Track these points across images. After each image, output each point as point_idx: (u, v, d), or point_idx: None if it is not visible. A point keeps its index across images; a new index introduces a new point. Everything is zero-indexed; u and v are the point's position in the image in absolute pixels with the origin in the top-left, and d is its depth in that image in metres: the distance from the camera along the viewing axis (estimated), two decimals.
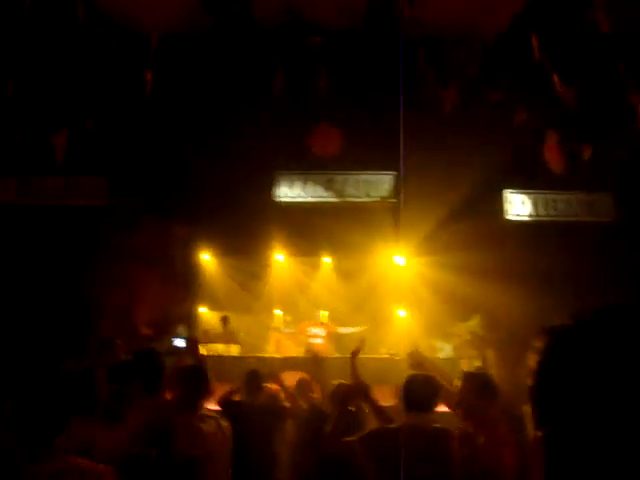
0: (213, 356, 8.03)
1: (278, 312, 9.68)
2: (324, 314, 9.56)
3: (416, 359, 4.07)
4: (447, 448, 3.14)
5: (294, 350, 8.86)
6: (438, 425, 3.23)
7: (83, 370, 3.64)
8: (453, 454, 3.13)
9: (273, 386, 4.99)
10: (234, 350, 8.95)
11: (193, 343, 4.04)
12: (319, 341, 9.15)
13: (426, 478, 3.00)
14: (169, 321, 10.08)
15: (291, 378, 5.63)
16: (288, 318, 9.77)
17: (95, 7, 5.24)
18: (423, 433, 3.15)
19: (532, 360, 0.80)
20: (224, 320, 9.41)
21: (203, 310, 10.92)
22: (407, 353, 4.22)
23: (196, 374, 3.40)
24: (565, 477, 0.70)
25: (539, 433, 0.73)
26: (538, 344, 0.78)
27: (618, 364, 0.67)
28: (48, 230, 8.44)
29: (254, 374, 4.97)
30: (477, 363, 5.76)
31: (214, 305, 10.96)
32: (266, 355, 8.85)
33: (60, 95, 6.33)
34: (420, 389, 3.41)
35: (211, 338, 9.22)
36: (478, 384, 3.40)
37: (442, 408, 4.62)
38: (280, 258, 10.98)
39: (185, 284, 11.05)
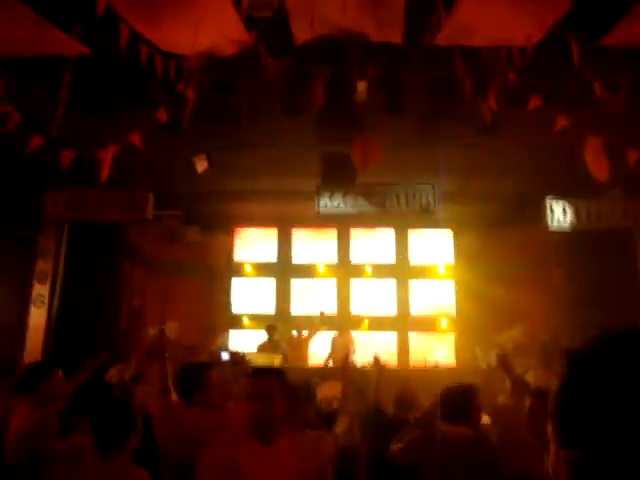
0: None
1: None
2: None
3: (505, 362, 4.05)
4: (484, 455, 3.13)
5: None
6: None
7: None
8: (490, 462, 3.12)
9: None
10: (276, 361, 8.99)
11: (239, 357, 4.10)
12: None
13: None
14: (210, 331, 10.22)
15: (331, 389, 5.64)
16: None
17: (137, 30, 5.39)
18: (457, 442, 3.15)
19: (555, 381, 0.81)
20: (269, 330, 9.42)
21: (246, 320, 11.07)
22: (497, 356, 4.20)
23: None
24: None
25: (561, 452, 0.75)
26: (561, 366, 0.80)
27: (629, 391, 0.69)
28: (94, 243, 8.69)
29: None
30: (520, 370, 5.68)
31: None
32: (306, 366, 8.90)
33: (107, 112, 6.53)
34: (457, 399, 3.42)
35: (256, 348, 9.29)
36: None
37: None
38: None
39: (226, 294, 11.24)
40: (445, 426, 3.34)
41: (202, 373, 3.72)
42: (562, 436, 0.76)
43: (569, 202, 8.22)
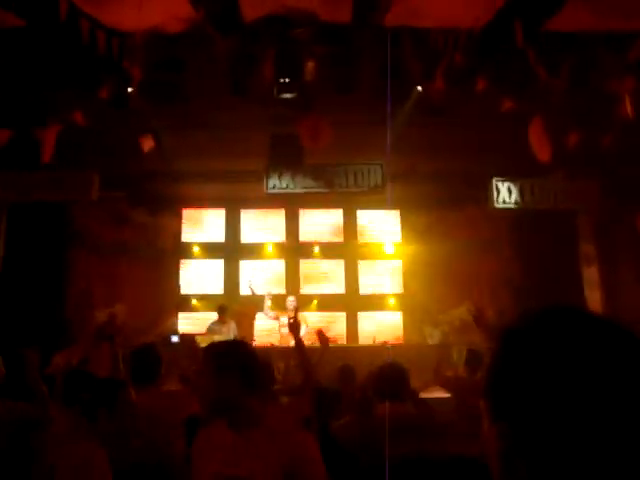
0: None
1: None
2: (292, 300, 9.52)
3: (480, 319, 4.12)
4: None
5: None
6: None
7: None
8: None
9: None
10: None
11: (189, 340, 4.07)
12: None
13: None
14: (159, 314, 10.10)
15: None
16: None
17: (77, 5, 5.19)
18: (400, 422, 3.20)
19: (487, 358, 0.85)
20: (220, 310, 9.34)
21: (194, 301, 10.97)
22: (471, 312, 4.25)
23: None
24: (518, 468, 0.74)
25: (493, 427, 0.78)
26: (493, 343, 0.83)
27: (556, 365, 0.72)
28: (35, 224, 8.42)
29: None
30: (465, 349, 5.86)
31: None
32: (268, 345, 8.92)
33: (47, 90, 6.30)
34: (392, 376, 3.48)
35: (206, 329, 9.22)
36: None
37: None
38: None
39: (173, 276, 11.10)
40: (382, 405, 3.40)
41: (154, 356, 3.67)
42: (493, 409, 0.79)
43: (514, 182, 8.44)
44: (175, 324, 10.32)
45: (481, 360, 4.95)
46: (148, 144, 7.04)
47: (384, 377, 3.48)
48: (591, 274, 8.84)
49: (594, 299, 8.61)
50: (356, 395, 4.14)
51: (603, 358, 0.72)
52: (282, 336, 8.91)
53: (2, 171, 7.71)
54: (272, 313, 9.24)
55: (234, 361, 2.13)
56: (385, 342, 9.25)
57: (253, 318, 9.61)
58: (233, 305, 10.02)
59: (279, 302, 9.59)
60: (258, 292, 9.69)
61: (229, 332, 8.96)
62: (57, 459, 2.46)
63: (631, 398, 0.69)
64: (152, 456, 3.09)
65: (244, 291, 10.85)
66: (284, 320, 9.08)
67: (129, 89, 6.60)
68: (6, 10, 4.99)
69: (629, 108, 5.77)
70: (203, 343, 8.08)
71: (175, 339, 8.57)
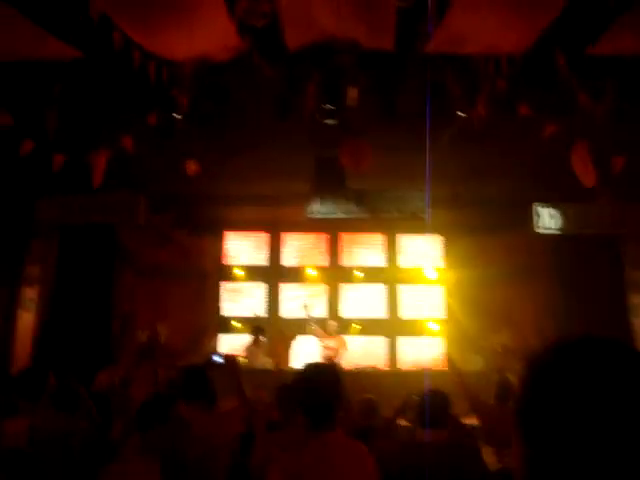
0: (252, 371, 8.15)
1: None
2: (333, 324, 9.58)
3: (454, 369, 4.15)
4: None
5: None
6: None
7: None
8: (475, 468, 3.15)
9: None
10: (268, 363, 9.00)
11: (232, 360, 4.12)
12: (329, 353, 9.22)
13: None
14: (199, 335, 10.24)
15: None
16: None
17: (130, 37, 5.42)
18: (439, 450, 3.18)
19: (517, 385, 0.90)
20: (255, 331, 9.43)
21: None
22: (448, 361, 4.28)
23: None
24: None
25: (520, 451, 0.83)
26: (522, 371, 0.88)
27: (584, 394, 0.77)
28: (84, 245, 8.69)
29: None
30: (509, 375, 5.76)
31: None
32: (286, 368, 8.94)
33: (99, 116, 6.55)
34: (435, 404, 3.47)
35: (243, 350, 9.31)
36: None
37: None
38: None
39: (215, 297, 11.25)
40: (423, 432, 3.39)
41: (204, 375, 3.75)
42: (521, 435, 0.83)
43: (556, 207, 8.34)
44: (216, 345, 10.44)
45: (510, 389, 4.88)
46: (193, 168, 7.22)
47: (427, 404, 3.48)
48: (638, 301, 8.63)
49: None
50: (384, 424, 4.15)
51: (620, 392, 0.76)
52: (323, 358, 8.96)
53: (56, 194, 8.01)
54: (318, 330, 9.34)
55: None
56: (426, 368, 9.18)
57: (290, 342, 9.65)
58: (272, 328, 10.10)
59: (320, 326, 9.66)
60: (313, 314, 9.74)
61: (259, 355, 9.04)
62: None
63: None
64: (203, 472, 3.16)
65: (285, 314, 10.94)
66: (327, 342, 9.16)
67: (176, 115, 6.80)
68: (67, 43, 5.22)
69: None
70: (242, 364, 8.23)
71: (218, 359, 8.67)
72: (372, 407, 4.83)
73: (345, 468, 2.30)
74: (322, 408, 2.42)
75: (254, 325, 9.75)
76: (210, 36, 5.57)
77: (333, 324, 9.48)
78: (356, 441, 2.57)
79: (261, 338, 9.32)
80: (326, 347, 9.31)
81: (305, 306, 9.94)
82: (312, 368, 2.62)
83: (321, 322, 9.87)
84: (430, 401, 3.52)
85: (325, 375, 2.53)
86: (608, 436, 0.74)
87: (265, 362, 8.96)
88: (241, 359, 8.60)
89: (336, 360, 8.97)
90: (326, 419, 2.41)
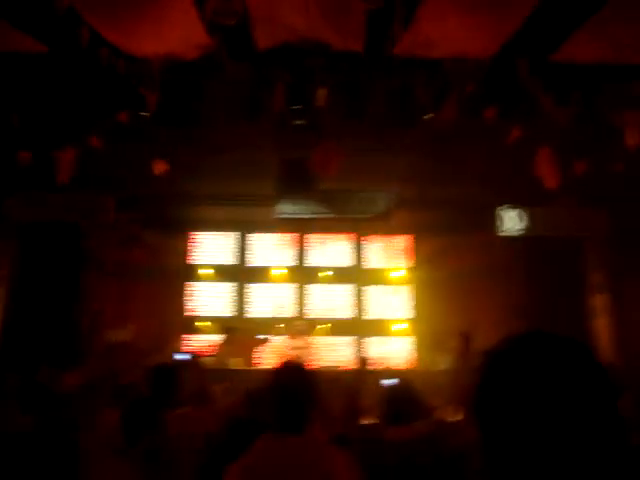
0: (223, 369, 8.11)
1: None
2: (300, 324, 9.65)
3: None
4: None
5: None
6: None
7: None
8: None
9: None
10: (239, 363, 8.97)
11: (195, 359, 4.13)
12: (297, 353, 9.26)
13: None
14: (166, 334, 10.17)
15: None
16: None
17: (98, 32, 5.37)
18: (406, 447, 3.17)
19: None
20: (228, 331, 9.40)
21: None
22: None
23: None
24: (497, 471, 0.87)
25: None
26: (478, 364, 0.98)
27: (527, 383, 0.86)
28: (49, 245, 8.55)
29: None
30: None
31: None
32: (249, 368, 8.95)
33: (66, 113, 6.46)
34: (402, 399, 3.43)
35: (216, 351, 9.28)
36: None
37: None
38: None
39: (181, 298, 11.18)
40: (389, 429, 3.38)
41: (176, 374, 3.75)
42: (475, 421, 0.92)
43: (521, 210, 8.51)
44: (181, 345, 10.38)
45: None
46: (160, 167, 7.18)
47: (395, 399, 3.47)
48: (599, 302, 8.85)
49: (602, 327, 8.61)
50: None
51: (558, 381, 0.85)
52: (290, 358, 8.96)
53: (19, 191, 7.87)
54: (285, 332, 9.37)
55: None
56: (391, 367, 9.27)
57: (260, 344, 9.66)
58: (240, 328, 10.08)
59: (288, 326, 9.68)
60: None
61: (229, 354, 9.04)
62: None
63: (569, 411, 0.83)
64: (173, 471, 3.16)
65: (252, 314, 10.94)
66: (294, 343, 9.18)
67: (144, 114, 6.75)
68: (32, 37, 5.14)
69: (632, 140, 5.87)
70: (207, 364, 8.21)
71: (181, 358, 8.63)
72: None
73: (301, 474, 2.21)
74: (290, 410, 2.34)
75: (226, 325, 9.73)
76: (179, 34, 5.55)
77: (300, 324, 9.49)
78: (332, 448, 2.45)
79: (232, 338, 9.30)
80: (293, 347, 9.34)
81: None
82: (284, 370, 2.54)
83: (288, 322, 9.88)
84: (391, 396, 3.50)
85: (297, 377, 2.46)
86: (546, 420, 0.82)
87: (235, 361, 8.94)
88: (207, 358, 8.57)
89: (303, 360, 8.99)
90: (294, 422, 2.34)
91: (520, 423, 0.84)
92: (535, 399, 0.84)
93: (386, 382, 5.30)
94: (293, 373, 2.50)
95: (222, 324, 10.13)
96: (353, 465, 2.31)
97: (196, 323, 11.00)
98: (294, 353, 9.16)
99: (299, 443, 2.30)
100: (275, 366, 2.58)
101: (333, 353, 10.64)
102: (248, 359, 9.07)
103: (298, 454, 2.26)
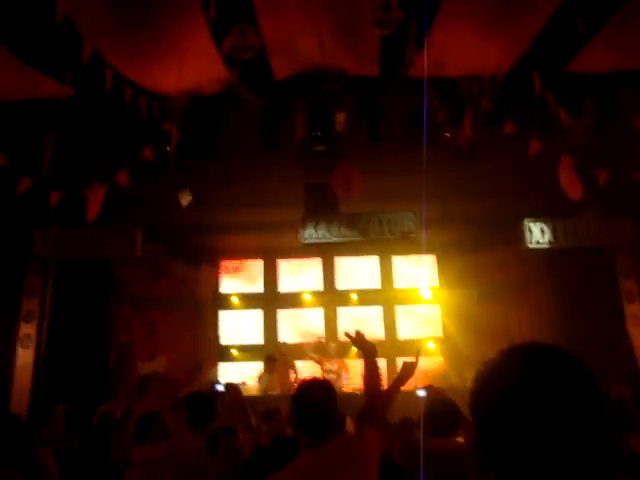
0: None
1: None
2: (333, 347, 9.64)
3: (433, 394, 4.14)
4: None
5: None
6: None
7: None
8: None
9: None
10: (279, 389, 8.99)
11: (234, 388, 4.17)
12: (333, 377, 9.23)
13: None
14: (198, 364, 10.22)
15: None
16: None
17: (121, 73, 5.56)
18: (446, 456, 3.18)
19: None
20: (268, 360, 9.38)
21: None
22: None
23: None
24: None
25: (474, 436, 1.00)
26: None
27: (516, 392, 0.94)
28: (79, 278, 8.72)
29: None
30: None
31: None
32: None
33: (93, 152, 6.66)
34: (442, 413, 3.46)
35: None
36: None
37: None
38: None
39: (213, 326, 11.26)
40: (431, 440, 3.40)
41: (212, 403, 3.82)
42: (473, 423, 1.01)
43: (546, 222, 8.46)
44: (216, 374, 10.42)
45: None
46: (186, 199, 7.32)
47: (435, 411, 3.50)
48: (634, 310, 8.70)
49: (638, 335, 8.46)
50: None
51: (548, 391, 0.93)
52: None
53: (52, 229, 8.09)
54: (316, 356, 9.35)
55: None
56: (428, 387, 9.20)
57: (290, 367, 9.66)
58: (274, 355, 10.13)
59: (320, 349, 9.69)
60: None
61: (271, 382, 9.06)
62: None
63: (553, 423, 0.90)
64: None
65: (282, 339, 10.98)
66: (329, 366, 9.17)
67: (167, 148, 6.91)
68: (59, 83, 5.35)
69: None
70: (246, 393, 8.22)
71: (220, 388, 8.65)
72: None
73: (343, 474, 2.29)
74: (318, 418, 2.41)
75: (267, 354, 9.71)
76: (198, 70, 5.72)
77: (333, 346, 9.51)
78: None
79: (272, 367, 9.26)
80: (328, 371, 9.31)
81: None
82: (307, 383, 2.63)
83: (321, 346, 9.88)
84: (431, 408, 3.55)
85: (319, 388, 2.54)
86: (535, 427, 0.90)
87: (276, 388, 8.98)
88: (246, 386, 8.62)
89: (338, 384, 9.00)
90: (323, 430, 2.40)
91: (505, 426, 0.93)
92: (520, 405, 0.92)
93: (421, 392, 5.38)
94: (317, 385, 2.59)
95: (260, 352, 10.20)
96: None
97: (232, 351, 11.05)
98: (330, 376, 9.14)
99: (331, 447, 2.37)
100: (300, 382, 2.66)
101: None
102: (287, 385, 9.09)
103: (333, 456, 2.34)
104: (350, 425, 7.15)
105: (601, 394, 0.95)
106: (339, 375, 9.24)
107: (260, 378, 9.29)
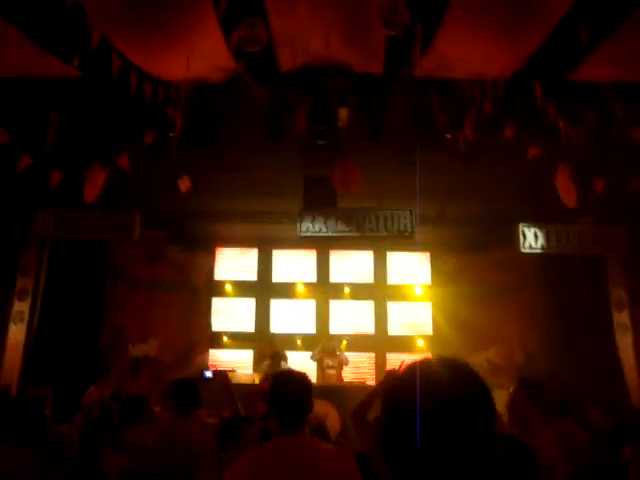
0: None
1: None
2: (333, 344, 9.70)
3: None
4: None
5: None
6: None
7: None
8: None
9: None
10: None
11: (222, 375, 4.24)
12: (332, 372, 9.29)
13: None
14: (190, 350, 10.29)
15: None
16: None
17: (128, 58, 5.60)
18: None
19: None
20: (275, 357, 9.23)
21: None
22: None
23: None
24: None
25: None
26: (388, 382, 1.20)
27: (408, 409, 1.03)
28: (75, 260, 8.77)
29: None
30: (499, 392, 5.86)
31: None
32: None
33: (97, 135, 6.69)
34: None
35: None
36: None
37: None
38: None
39: (205, 313, 11.32)
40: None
41: (197, 388, 3.89)
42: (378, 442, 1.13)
43: (540, 227, 8.56)
44: (207, 360, 10.51)
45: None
46: (185, 185, 7.36)
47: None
48: (622, 318, 8.80)
49: (626, 343, 8.57)
50: None
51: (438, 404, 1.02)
52: (326, 376, 9.06)
53: (53, 209, 8.13)
54: (319, 356, 9.41)
55: None
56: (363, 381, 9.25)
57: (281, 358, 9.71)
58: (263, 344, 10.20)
59: (309, 342, 9.76)
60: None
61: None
62: None
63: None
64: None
65: (275, 330, 11.06)
66: (329, 362, 9.23)
67: (170, 134, 6.94)
68: (68, 64, 5.38)
69: None
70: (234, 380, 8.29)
71: (208, 375, 8.73)
72: (323, 432, 4.76)
73: (317, 466, 2.34)
74: (293, 406, 2.47)
75: (274, 351, 9.56)
76: (205, 58, 5.75)
77: (333, 344, 9.57)
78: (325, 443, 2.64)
79: (283, 364, 9.12)
80: (329, 367, 9.33)
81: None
82: (284, 373, 2.77)
83: (327, 346, 9.83)
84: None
85: (297, 378, 2.61)
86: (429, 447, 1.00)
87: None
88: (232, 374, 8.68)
89: (338, 378, 9.09)
90: (297, 419, 2.47)
91: (397, 432, 1.04)
92: (409, 415, 1.01)
93: None
94: (294, 375, 2.68)
95: (250, 340, 10.25)
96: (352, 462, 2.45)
97: (223, 338, 11.12)
98: (329, 372, 9.20)
99: (304, 438, 2.47)
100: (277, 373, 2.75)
101: (355, 368, 10.70)
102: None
103: (307, 446, 2.43)
104: (334, 415, 7.26)
105: (490, 408, 1.07)
106: (338, 369, 9.31)
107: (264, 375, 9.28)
